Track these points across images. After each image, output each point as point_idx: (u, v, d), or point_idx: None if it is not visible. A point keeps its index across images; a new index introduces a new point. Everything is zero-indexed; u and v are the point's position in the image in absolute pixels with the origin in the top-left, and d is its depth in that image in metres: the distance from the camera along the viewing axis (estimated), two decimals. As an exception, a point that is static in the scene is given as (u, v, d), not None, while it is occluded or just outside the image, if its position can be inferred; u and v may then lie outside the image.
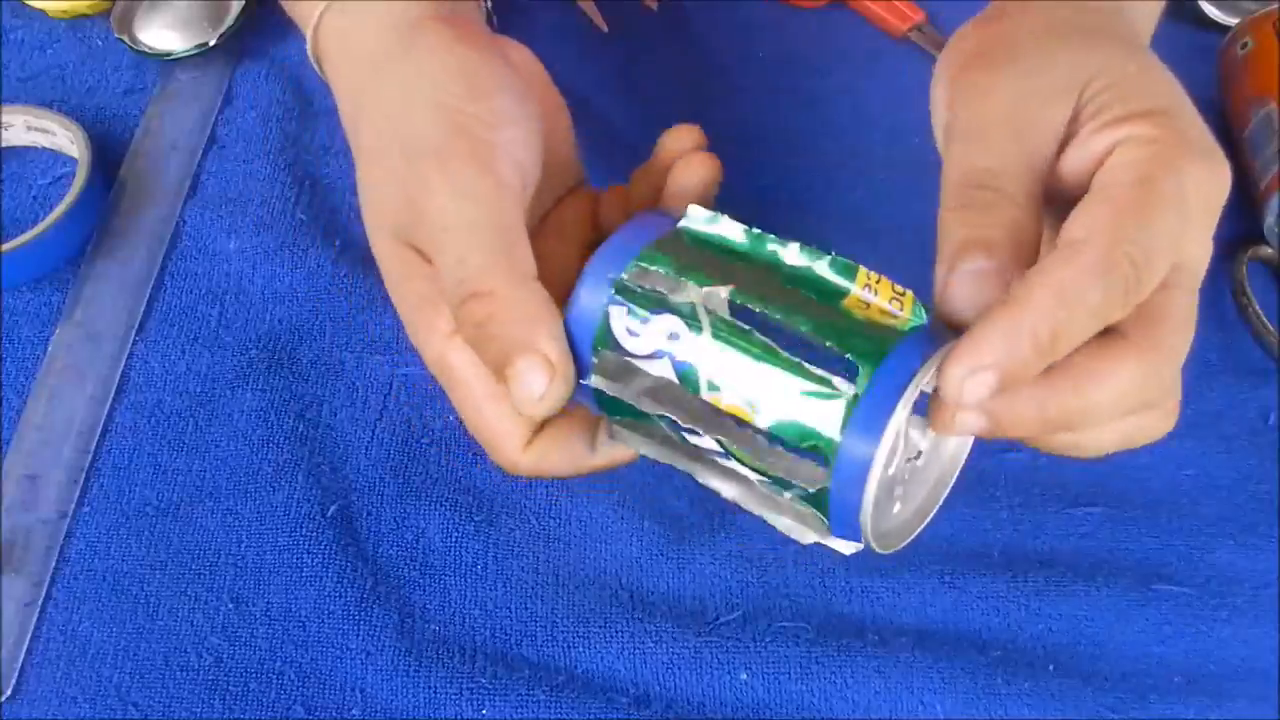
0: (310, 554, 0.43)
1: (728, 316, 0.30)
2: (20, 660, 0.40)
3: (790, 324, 0.29)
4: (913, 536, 0.32)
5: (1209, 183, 0.31)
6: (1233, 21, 0.58)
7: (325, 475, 0.45)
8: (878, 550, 0.30)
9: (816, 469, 0.30)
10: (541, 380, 0.31)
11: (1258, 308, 0.49)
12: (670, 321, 0.31)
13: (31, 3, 0.58)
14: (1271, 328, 0.48)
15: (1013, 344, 0.27)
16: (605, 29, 0.56)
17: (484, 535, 0.43)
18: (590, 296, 0.32)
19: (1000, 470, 0.45)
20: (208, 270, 0.50)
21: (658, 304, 0.31)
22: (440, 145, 0.33)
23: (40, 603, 0.42)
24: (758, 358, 0.30)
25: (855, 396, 0.28)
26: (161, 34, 0.57)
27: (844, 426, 0.28)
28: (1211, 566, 0.43)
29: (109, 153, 0.53)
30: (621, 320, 0.31)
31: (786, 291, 0.31)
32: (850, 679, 0.40)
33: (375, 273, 0.49)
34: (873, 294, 0.31)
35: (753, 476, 0.31)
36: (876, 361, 0.28)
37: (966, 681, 0.40)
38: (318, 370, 0.47)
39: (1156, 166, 0.30)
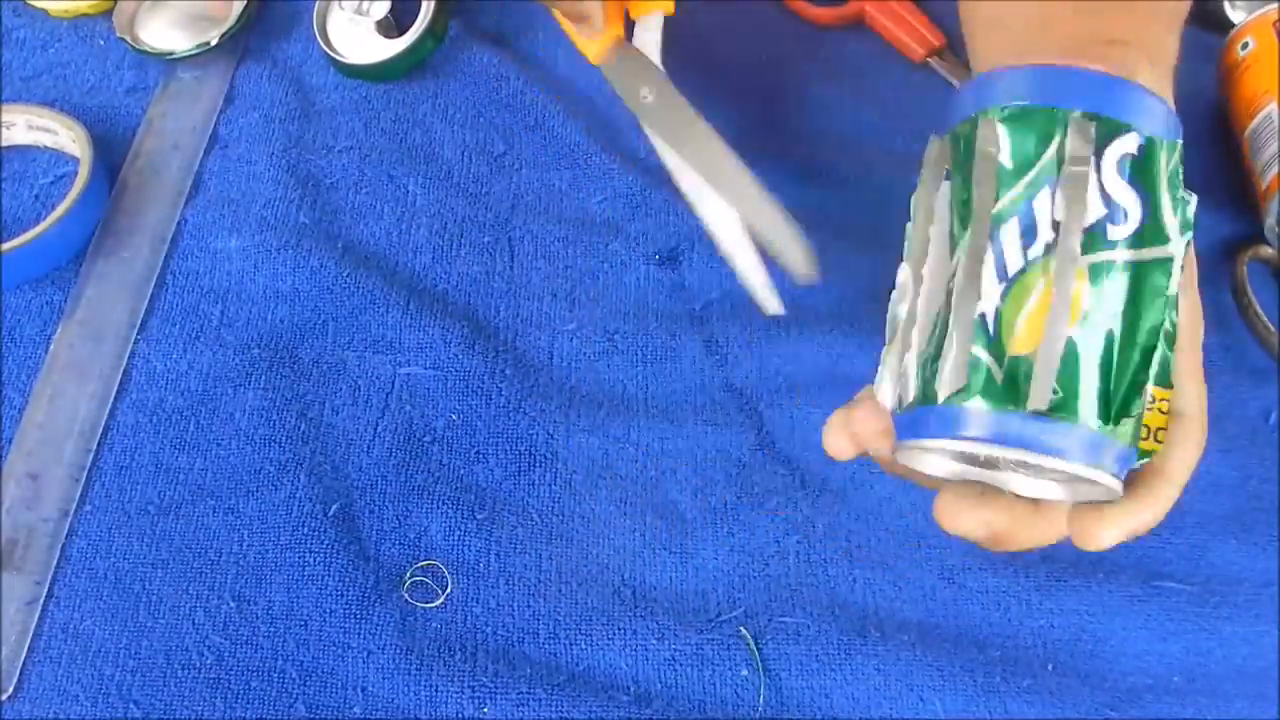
0: (312, 552, 0.43)
1: None
2: (22, 659, 0.40)
3: None
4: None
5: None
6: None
7: (327, 474, 0.45)
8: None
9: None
10: None
11: (1258, 308, 0.49)
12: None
13: (33, 2, 0.58)
14: (1272, 328, 0.48)
15: (1154, 520, 0.32)
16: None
17: (485, 533, 0.44)
18: None
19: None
20: (210, 269, 0.50)
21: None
22: None
23: (42, 601, 0.42)
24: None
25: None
26: (163, 33, 0.57)
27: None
28: (1211, 566, 0.43)
29: (111, 152, 0.53)
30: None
31: None
32: (851, 676, 0.40)
33: (377, 272, 0.50)
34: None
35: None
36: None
37: (966, 679, 0.40)
38: (319, 369, 0.47)
39: (1193, 320, 0.32)
